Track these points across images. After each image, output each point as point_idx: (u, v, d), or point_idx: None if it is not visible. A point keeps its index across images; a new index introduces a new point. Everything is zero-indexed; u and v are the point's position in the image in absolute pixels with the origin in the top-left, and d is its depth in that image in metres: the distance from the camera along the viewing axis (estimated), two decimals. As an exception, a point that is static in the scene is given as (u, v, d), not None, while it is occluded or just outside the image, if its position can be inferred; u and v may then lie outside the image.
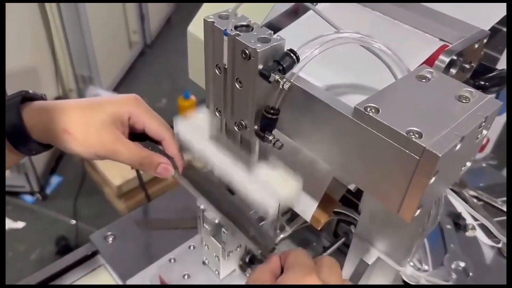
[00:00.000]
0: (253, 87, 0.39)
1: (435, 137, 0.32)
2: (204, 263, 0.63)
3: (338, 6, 0.54)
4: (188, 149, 0.52)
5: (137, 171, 0.61)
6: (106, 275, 0.66)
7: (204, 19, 0.40)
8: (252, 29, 0.39)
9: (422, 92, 0.37)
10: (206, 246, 0.61)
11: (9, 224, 1.71)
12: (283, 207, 0.47)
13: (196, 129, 0.51)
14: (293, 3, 0.54)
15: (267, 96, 0.40)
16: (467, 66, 0.47)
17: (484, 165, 0.88)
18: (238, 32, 0.38)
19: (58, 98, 1.92)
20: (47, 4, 1.75)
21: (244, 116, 0.42)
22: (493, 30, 0.49)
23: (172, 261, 0.63)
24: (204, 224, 0.59)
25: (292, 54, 0.37)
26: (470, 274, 0.67)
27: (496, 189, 0.83)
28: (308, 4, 0.44)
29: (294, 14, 0.54)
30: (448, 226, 0.74)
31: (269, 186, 0.46)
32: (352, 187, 0.50)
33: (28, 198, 1.80)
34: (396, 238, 0.47)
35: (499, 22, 0.51)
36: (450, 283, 0.56)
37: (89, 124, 0.47)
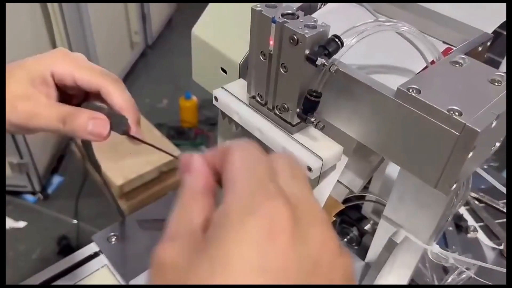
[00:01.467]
0: (299, 71, 0.42)
1: (474, 115, 0.35)
2: None
3: (342, 8, 0.54)
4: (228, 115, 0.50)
5: (84, 146, 0.48)
6: (109, 276, 0.66)
7: (252, 8, 0.43)
8: (298, 17, 0.41)
9: (458, 76, 0.40)
10: None
11: (11, 223, 1.71)
12: (325, 168, 0.46)
13: (235, 94, 0.51)
14: (298, 4, 0.54)
15: (310, 80, 0.42)
16: (470, 69, 0.48)
17: (485, 166, 0.89)
18: (285, 19, 0.41)
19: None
20: (49, 4, 1.75)
21: (288, 99, 0.44)
22: (495, 34, 0.49)
23: None
24: None
25: (337, 40, 0.39)
26: (472, 276, 0.67)
27: (497, 191, 0.83)
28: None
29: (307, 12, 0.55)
30: (450, 228, 0.74)
31: (311, 148, 0.46)
32: (355, 189, 0.50)
33: (29, 197, 1.80)
34: (424, 217, 0.49)
35: (500, 26, 0.51)
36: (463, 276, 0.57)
37: (5, 87, 0.39)
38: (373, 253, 0.57)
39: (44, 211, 1.76)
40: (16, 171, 1.69)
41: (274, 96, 0.46)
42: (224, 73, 0.55)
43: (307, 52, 0.40)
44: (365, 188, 0.61)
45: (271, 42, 0.42)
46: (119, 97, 0.41)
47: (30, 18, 1.68)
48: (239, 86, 0.52)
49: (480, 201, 0.80)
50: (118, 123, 0.40)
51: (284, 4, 0.43)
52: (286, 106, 0.45)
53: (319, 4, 0.55)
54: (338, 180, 0.51)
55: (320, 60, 0.39)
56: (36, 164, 1.72)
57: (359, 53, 0.44)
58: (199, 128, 2.14)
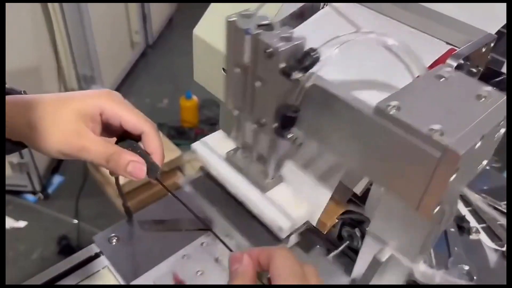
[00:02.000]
0: (274, 85, 0.40)
1: (456, 135, 0.32)
2: (216, 260, 0.64)
3: (344, 8, 0.53)
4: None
5: (116, 179, 0.57)
6: (110, 277, 0.66)
7: (226, 18, 0.41)
8: (274, 28, 0.40)
9: (442, 91, 0.37)
10: (220, 244, 0.61)
11: (11, 223, 1.71)
12: (296, 227, 0.47)
13: (212, 149, 0.53)
14: (300, 4, 0.54)
15: (287, 95, 0.40)
16: (474, 70, 0.47)
17: (487, 167, 0.88)
18: (260, 31, 0.39)
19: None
20: (49, 4, 1.75)
21: (264, 114, 0.43)
22: (498, 34, 0.49)
23: (185, 257, 0.64)
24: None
25: (313, 53, 0.38)
26: (474, 277, 0.67)
27: (500, 192, 0.82)
28: (335, 4, 0.45)
29: (300, 17, 0.54)
30: (452, 229, 0.74)
31: (282, 207, 0.47)
32: (358, 190, 0.50)
33: (30, 197, 1.80)
34: (411, 235, 0.48)
35: (504, 26, 0.50)
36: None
37: (54, 119, 0.43)
38: (358, 269, 0.56)
39: (45, 211, 1.76)
40: (16, 171, 1.69)
41: (251, 110, 0.44)
42: (225, 73, 0.55)
43: (282, 65, 0.38)
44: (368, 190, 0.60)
45: (246, 55, 0.41)
46: (156, 143, 0.47)
47: (31, 18, 1.67)
48: (217, 139, 0.53)
49: (482, 201, 0.80)
50: (152, 169, 0.46)
51: (260, 14, 0.41)
52: (263, 121, 0.43)
53: (322, 4, 0.54)
54: (340, 181, 0.51)
55: (295, 75, 0.37)
56: (36, 164, 1.72)
57: (344, 65, 0.42)
58: (200, 128, 2.14)
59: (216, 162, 0.52)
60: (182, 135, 2.08)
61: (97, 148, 0.44)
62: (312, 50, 0.38)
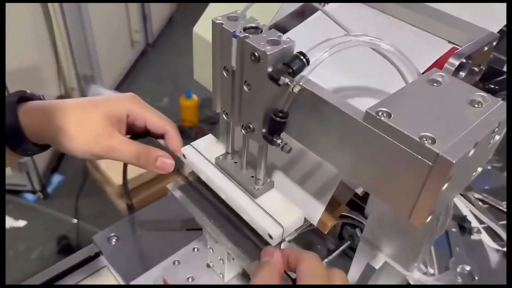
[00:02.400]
0: (262, 90, 0.39)
1: (449, 143, 0.31)
2: (208, 265, 0.63)
3: (345, 8, 0.53)
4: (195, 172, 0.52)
5: (124, 173, 0.60)
6: (109, 277, 0.66)
7: (212, 20, 0.40)
8: (261, 31, 0.39)
9: (434, 96, 0.36)
10: (211, 249, 0.61)
11: (10, 222, 1.70)
12: (286, 235, 0.47)
13: (202, 153, 0.52)
14: (300, 4, 0.53)
15: (275, 99, 0.39)
16: (476, 69, 0.47)
17: (489, 167, 0.88)
18: (247, 34, 0.38)
19: (60, 97, 1.92)
20: (50, 4, 1.75)
21: (252, 119, 0.42)
22: (501, 33, 0.48)
23: (176, 263, 0.63)
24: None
25: (302, 57, 0.36)
26: (476, 278, 0.67)
27: (501, 192, 0.82)
28: (317, 5, 0.44)
29: (300, 16, 0.54)
30: (453, 229, 0.74)
31: (273, 213, 0.47)
32: (359, 190, 0.49)
33: (29, 196, 1.79)
34: (404, 242, 0.47)
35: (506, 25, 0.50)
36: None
37: (84, 123, 0.47)
38: (353, 275, 0.55)
39: (44, 210, 1.76)
40: (16, 170, 1.69)
41: (239, 115, 0.43)
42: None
43: (269, 70, 0.37)
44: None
45: (233, 58, 0.39)
46: (178, 141, 0.51)
47: (31, 18, 1.67)
48: (207, 143, 0.52)
49: (483, 202, 0.79)
50: (177, 164, 0.50)
51: (248, 16, 0.40)
52: (251, 126, 0.42)
53: (322, 4, 0.54)
54: (342, 181, 0.50)
55: (283, 80, 0.36)
56: (36, 163, 1.72)
57: (334, 69, 0.41)
58: (200, 127, 2.14)
59: (205, 167, 0.51)
60: (182, 134, 2.07)
61: (128, 147, 0.47)
62: (301, 53, 0.37)
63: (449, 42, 0.48)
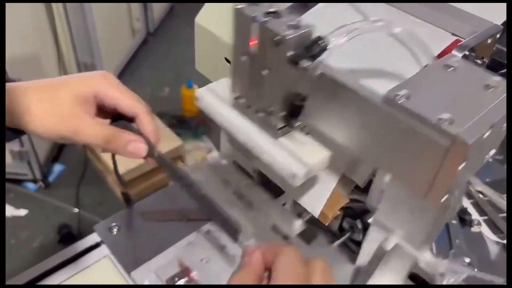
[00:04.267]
0: (282, 74, 0.39)
1: (465, 125, 0.33)
2: (222, 248, 0.64)
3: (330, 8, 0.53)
4: (210, 116, 0.49)
5: (113, 157, 0.57)
6: (110, 266, 0.66)
7: (233, 6, 0.41)
8: (282, 15, 0.39)
9: (450, 80, 0.37)
10: None
11: (12, 211, 1.71)
12: (310, 175, 0.44)
13: (219, 96, 0.49)
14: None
15: (295, 83, 0.40)
16: (479, 61, 0.46)
17: (490, 160, 0.88)
18: (267, 18, 0.39)
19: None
20: (50, -10, 1.74)
21: (271, 102, 0.42)
22: (504, 25, 0.48)
23: (190, 245, 0.64)
24: None
25: (321, 41, 0.37)
26: (475, 270, 0.67)
27: (502, 184, 0.82)
28: None
29: (303, 7, 0.53)
30: (454, 222, 0.74)
31: (297, 153, 0.44)
32: (361, 182, 0.49)
33: (30, 186, 1.80)
34: (417, 223, 0.47)
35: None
36: (463, 276, 0.56)
37: (50, 103, 0.44)
38: (363, 258, 0.56)
39: (45, 200, 1.76)
40: (17, 159, 1.69)
41: (258, 99, 0.44)
42: (228, 63, 0.54)
43: (289, 54, 0.37)
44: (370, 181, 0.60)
45: (253, 43, 0.40)
46: (150, 125, 0.47)
47: (31, 5, 1.66)
48: (224, 86, 0.50)
49: (484, 194, 0.79)
50: (149, 148, 0.47)
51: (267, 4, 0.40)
52: (270, 109, 0.42)
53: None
54: (343, 173, 0.50)
55: (303, 63, 0.37)
56: (37, 153, 1.72)
57: (352, 54, 0.42)
58: (201, 117, 2.13)
59: (222, 109, 0.48)
60: (183, 125, 2.08)
61: (94, 130, 0.44)
62: (320, 38, 0.37)
63: (453, 34, 0.48)
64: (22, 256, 1.56)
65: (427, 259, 0.49)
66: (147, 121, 0.47)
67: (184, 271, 0.61)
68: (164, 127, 1.79)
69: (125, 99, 0.47)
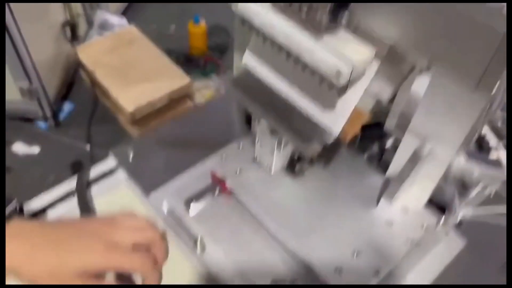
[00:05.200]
0: None
1: None
2: (254, 160, 0.64)
3: None
4: (247, 19, 0.46)
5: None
6: (127, 190, 0.66)
7: None
8: None
9: None
10: (259, 143, 0.61)
11: (24, 149, 1.73)
12: (356, 73, 0.43)
13: None
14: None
15: None
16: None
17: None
18: None
19: (66, 22, 1.87)
20: None
21: None
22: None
23: (224, 158, 0.65)
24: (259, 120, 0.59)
25: None
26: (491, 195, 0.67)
27: None
28: None
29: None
30: (471, 148, 0.73)
31: (341, 51, 0.42)
32: (385, 97, 0.48)
33: (41, 124, 1.80)
34: (454, 127, 0.47)
35: None
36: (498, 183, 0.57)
37: None
38: (394, 168, 0.56)
39: (57, 138, 1.77)
40: (26, 97, 1.68)
41: None
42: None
43: None
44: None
45: None
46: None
47: None
48: None
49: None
50: None
51: None
52: (316, 3, 0.41)
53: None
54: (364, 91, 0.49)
55: None
56: (46, 90, 1.71)
57: None
58: (209, 55, 2.09)
59: (261, 9, 0.45)
60: (191, 63, 2.04)
61: None
62: None
63: None
64: (38, 191, 1.58)
65: (461, 163, 0.49)
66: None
67: (217, 182, 0.62)
68: (171, 64, 1.76)
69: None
